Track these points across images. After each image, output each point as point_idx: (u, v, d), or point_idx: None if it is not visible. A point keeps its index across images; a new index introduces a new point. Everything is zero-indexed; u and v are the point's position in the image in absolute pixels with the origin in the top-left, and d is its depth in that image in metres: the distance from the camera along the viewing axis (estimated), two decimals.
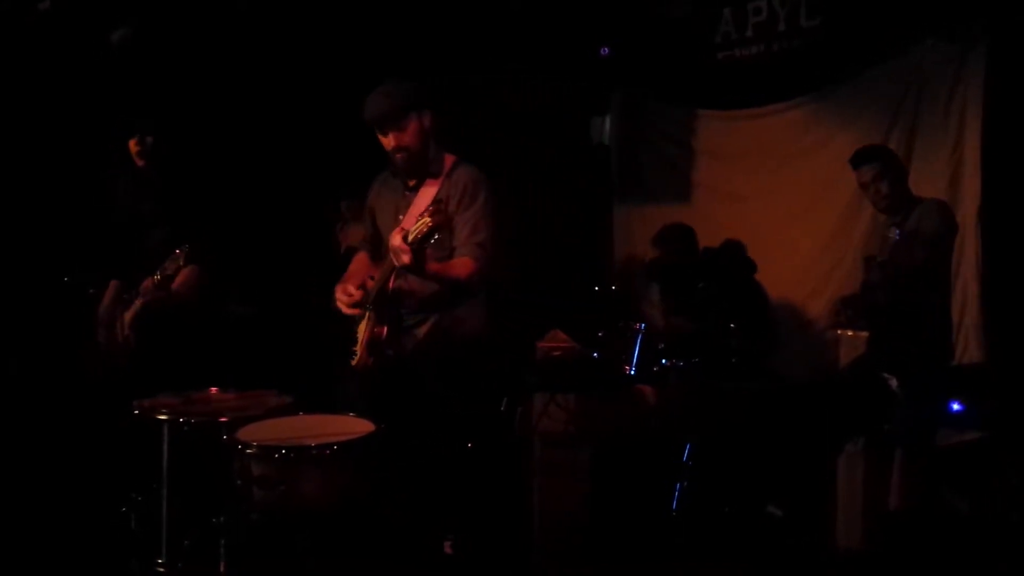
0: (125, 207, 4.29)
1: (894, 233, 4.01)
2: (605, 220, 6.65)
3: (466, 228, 3.29)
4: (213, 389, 3.49)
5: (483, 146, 5.65)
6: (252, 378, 3.54)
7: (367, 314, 3.32)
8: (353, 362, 3.33)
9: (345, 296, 3.38)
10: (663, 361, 4.40)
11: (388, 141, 3.31)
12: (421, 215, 2.95)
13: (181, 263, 3.79)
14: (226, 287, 4.63)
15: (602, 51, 6.20)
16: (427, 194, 3.33)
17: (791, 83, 5.54)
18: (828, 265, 5.34)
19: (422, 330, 3.35)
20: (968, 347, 4.64)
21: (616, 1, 5.96)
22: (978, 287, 4.63)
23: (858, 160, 4.08)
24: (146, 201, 4.26)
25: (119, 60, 4.87)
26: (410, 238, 2.96)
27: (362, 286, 3.41)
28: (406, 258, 2.98)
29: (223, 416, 3.12)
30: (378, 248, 3.57)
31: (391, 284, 3.27)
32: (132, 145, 4.28)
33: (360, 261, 3.67)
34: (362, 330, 3.32)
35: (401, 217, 3.35)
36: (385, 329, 3.26)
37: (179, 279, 3.96)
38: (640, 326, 4.40)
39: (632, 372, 4.34)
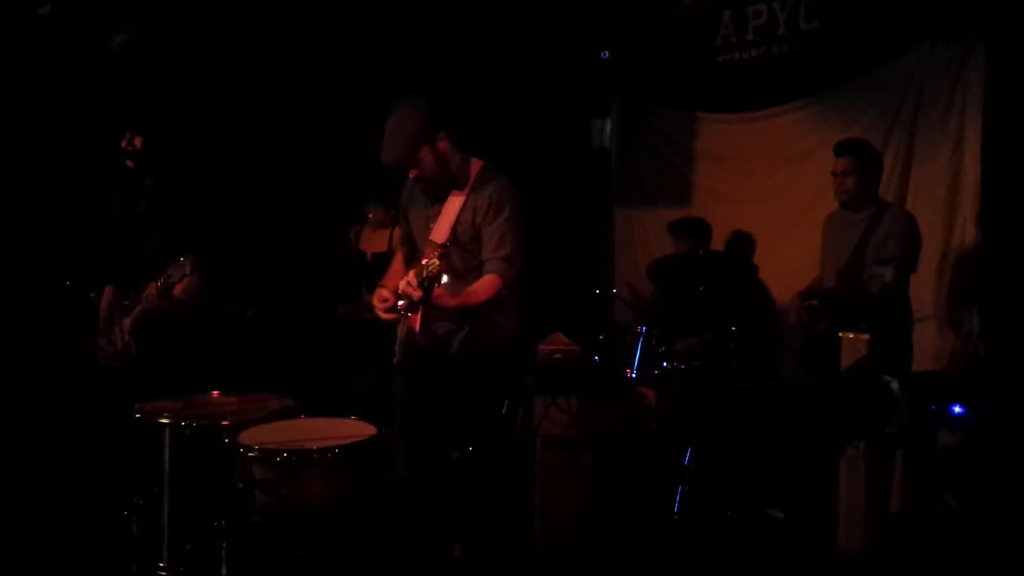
0: (117, 209, 4.28)
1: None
2: (605, 223, 6.65)
3: (492, 241, 3.32)
4: (215, 392, 3.50)
5: (482, 147, 5.64)
6: (254, 381, 3.55)
7: (402, 318, 3.32)
8: (394, 361, 3.33)
9: (380, 303, 3.36)
10: (664, 364, 4.40)
11: (409, 174, 3.35)
12: (430, 258, 2.98)
13: (187, 272, 3.78)
14: (225, 289, 4.62)
15: (602, 54, 6.21)
16: (454, 204, 3.36)
17: (791, 86, 5.54)
18: None
19: (458, 337, 3.37)
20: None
21: (616, 3, 5.96)
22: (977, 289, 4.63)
23: (839, 149, 4.24)
24: (138, 203, 4.26)
25: (118, 64, 4.87)
26: (423, 275, 2.99)
27: (396, 291, 3.42)
28: (417, 297, 3.03)
29: (225, 419, 3.13)
30: (413, 249, 3.59)
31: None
32: (122, 146, 4.26)
33: (398, 262, 3.68)
34: (400, 332, 3.32)
35: (431, 226, 3.39)
36: (419, 333, 3.27)
37: (181, 286, 3.96)
38: (641, 329, 4.40)
39: (633, 375, 4.35)
